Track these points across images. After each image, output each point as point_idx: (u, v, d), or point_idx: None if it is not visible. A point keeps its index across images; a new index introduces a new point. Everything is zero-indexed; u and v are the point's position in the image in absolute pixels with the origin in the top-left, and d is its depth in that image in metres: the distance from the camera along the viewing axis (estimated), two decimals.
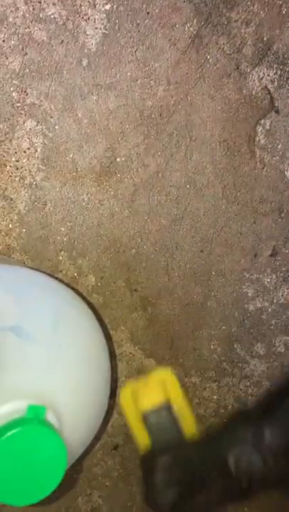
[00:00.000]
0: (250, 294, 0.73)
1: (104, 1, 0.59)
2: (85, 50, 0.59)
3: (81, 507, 0.69)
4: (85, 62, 0.60)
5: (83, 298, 0.66)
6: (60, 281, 0.63)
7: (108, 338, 0.67)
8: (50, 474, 0.30)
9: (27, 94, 0.58)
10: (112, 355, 0.67)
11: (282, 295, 0.75)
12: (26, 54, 0.57)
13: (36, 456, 0.30)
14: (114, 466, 0.70)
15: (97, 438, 0.64)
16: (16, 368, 0.33)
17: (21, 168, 0.59)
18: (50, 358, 0.35)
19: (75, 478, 0.69)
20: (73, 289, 0.64)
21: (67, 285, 0.64)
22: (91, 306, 0.66)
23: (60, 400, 0.34)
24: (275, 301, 0.75)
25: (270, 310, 0.75)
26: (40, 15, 0.57)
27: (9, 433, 0.28)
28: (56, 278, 0.63)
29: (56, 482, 0.30)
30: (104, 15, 0.59)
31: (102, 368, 0.39)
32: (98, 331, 0.41)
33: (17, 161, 0.59)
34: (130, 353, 0.68)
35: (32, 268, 0.60)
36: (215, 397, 0.73)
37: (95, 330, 0.40)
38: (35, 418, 0.29)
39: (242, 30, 0.67)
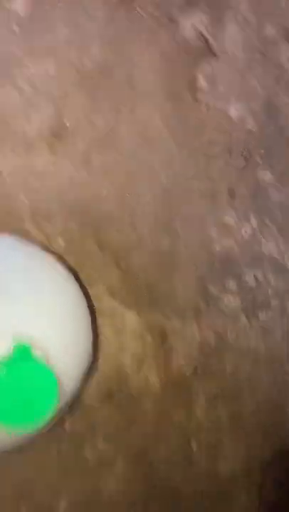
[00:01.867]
0: (214, 235, 0.77)
1: None
2: (15, 17, 0.60)
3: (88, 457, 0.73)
4: (17, 30, 0.60)
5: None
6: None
7: (86, 295, 0.69)
8: (45, 401, 0.33)
9: None
10: (92, 310, 0.70)
11: (245, 231, 0.79)
12: None
13: (29, 389, 0.33)
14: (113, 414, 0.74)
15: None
16: None
17: None
18: (27, 306, 0.38)
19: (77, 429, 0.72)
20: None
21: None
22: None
23: (46, 344, 0.37)
24: (239, 238, 0.79)
25: (235, 248, 0.79)
26: None
27: None
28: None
29: (52, 405, 0.33)
30: None
31: (79, 310, 0.42)
32: (68, 277, 0.44)
33: None
34: (111, 306, 0.71)
35: None
36: (197, 336, 0.78)
37: (65, 276, 0.43)
38: (22, 356, 0.32)
39: None
